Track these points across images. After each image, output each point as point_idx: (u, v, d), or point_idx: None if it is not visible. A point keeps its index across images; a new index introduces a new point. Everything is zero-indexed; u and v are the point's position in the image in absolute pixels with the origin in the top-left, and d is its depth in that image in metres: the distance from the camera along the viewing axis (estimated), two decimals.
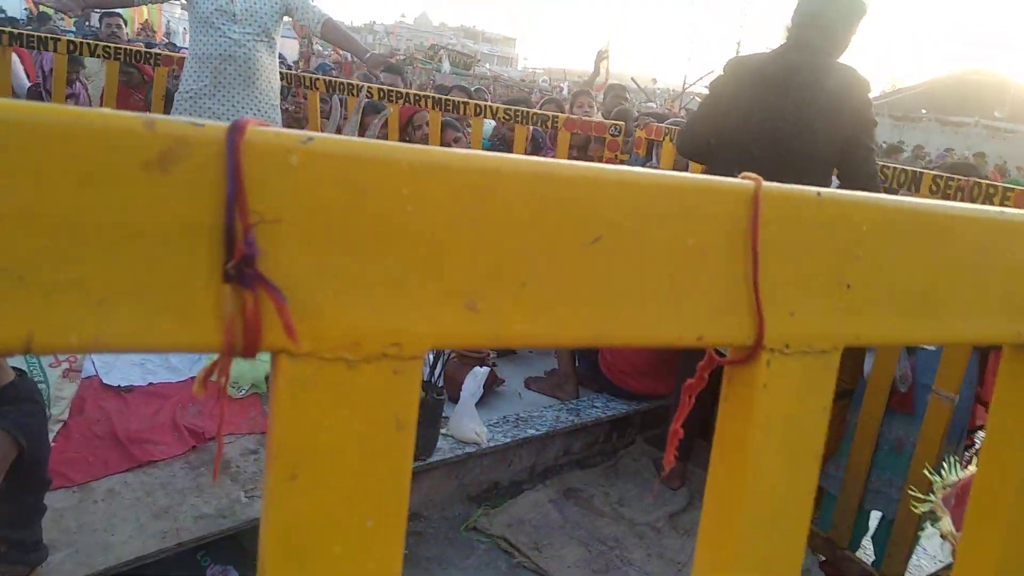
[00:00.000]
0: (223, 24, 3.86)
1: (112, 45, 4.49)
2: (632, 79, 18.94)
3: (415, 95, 4.42)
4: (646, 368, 3.12)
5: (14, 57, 4.84)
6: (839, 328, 0.48)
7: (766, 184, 0.44)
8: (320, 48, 15.92)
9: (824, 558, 2.86)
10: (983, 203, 2.63)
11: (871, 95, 2.48)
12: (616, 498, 2.76)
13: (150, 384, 2.46)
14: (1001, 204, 2.61)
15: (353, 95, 4.32)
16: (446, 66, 12.26)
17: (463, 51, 15.76)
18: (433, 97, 4.37)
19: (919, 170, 2.93)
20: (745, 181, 0.44)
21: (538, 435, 2.72)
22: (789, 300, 0.46)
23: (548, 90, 12.66)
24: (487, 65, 21.21)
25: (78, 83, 5.18)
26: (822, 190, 0.46)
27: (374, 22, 47.15)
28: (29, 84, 5.14)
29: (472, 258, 0.36)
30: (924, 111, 39.94)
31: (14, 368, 1.54)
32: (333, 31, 4.05)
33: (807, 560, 2.75)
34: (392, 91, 4.40)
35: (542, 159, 0.37)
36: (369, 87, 4.48)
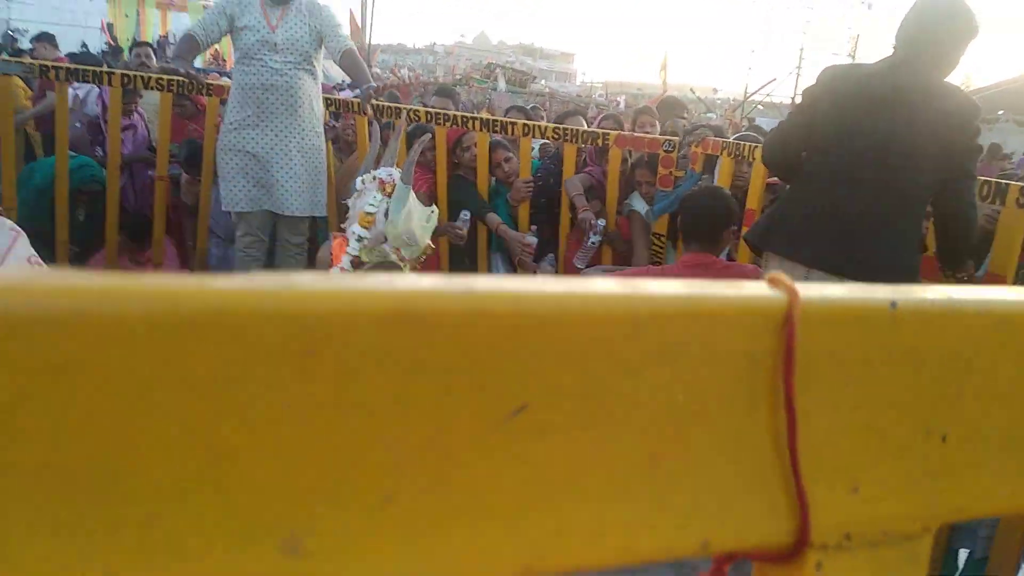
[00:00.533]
0: (264, 54, 3.86)
1: (165, 77, 4.55)
2: (691, 90, 18.65)
3: (463, 117, 4.32)
4: None
5: (92, 91, 4.96)
6: (930, 501, 0.31)
7: (806, 293, 0.28)
8: (378, 71, 16.18)
9: None
10: None
11: (978, 122, 2.28)
12: None
13: None
14: None
15: (399, 119, 4.24)
16: (502, 85, 12.22)
17: (519, 69, 15.68)
18: (481, 119, 4.26)
19: (1004, 181, 2.65)
20: (772, 292, 0.28)
21: None
22: (850, 468, 0.29)
23: (604, 104, 12.45)
24: (543, 81, 21.11)
25: (135, 114, 5.28)
26: (897, 298, 0.29)
27: (434, 43, 47.95)
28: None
29: (289, 461, 0.21)
30: (1001, 112, 38.18)
31: None
32: (350, 60, 4.10)
33: None
34: (440, 114, 4.31)
35: (398, 281, 0.23)
36: (416, 110, 4.40)
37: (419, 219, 2.75)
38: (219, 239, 4.65)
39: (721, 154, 3.77)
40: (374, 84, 4.23)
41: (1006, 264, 2.49)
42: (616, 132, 4.07)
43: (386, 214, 2.69)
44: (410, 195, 2.69)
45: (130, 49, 6.36)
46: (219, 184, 4.07)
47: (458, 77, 14.82)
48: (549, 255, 4.01)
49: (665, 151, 3.88)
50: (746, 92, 18.61)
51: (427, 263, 4.45)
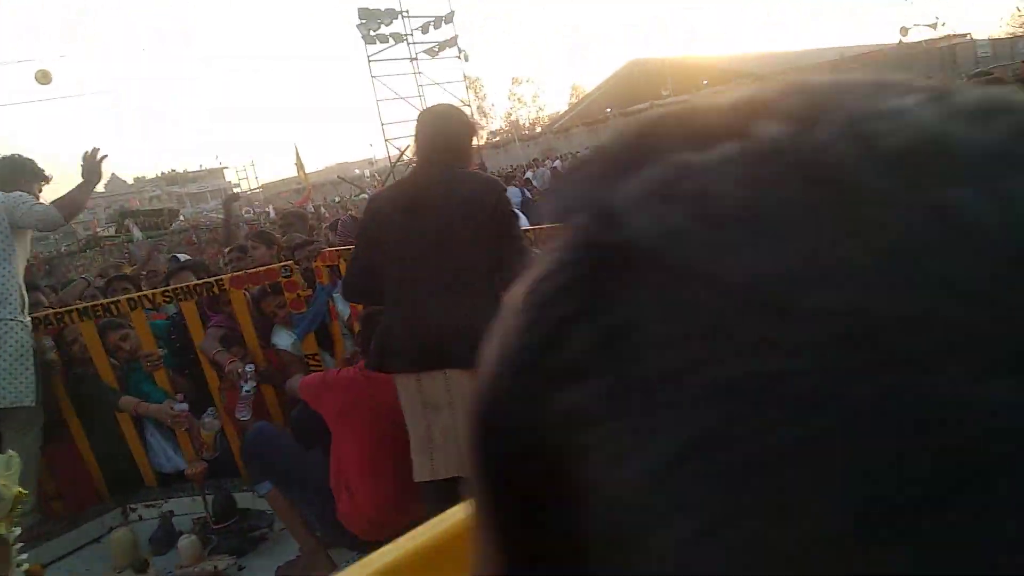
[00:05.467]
0: None
1: None
2: (339, 176, 19.01)
3: (56, 314, 3.90)
4: (392, 503, 2.88)
5: None
6: None
7: None
8: None
9: None
10: None
11: (505, 192, 2.55)
12: None
13: None
14: None
15: None
16: (137, 234, 11.38)
17: (153, 209, 14.64)
18: (78, 309, 3.89)
19: None
20: None
21: None
22: None
23: (254, 218, 12.11)
24: (181, 217, 19.86)
25: None
26: None
27: None
28: None
29: None
30: (609, 109, 44.59)
31: None
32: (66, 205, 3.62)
33: None
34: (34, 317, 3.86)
35: None
36: None
37: None
38: None
39: (338, 263, 3.84)
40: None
41: None
42: (230, 275, 3.95)
43: None
44: None
45: None
46: None
47: (86, 238, 13.52)
48: (210, 408, 3.76)
49: (284, 277, 3.85)
50: (391, 162, 19.40)
51: (65, 475, 3.94)
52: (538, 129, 55.10)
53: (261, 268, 4.06)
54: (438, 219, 2.39)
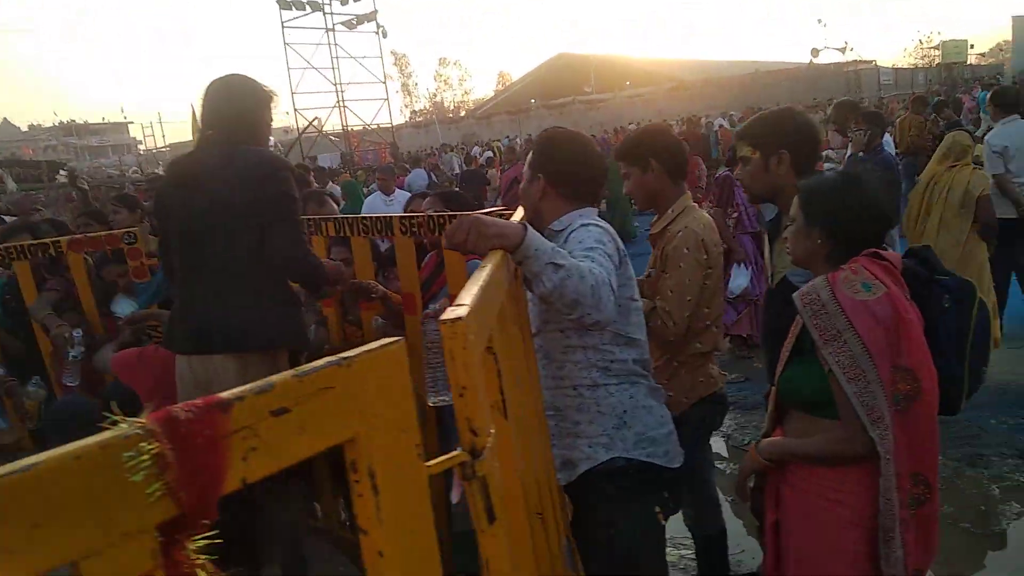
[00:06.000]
0: None
1: None
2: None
3: None
4: None
5: None
6: None
7: None
8: None
9: None
10: None
11: (286, 172, 2.37)
12: None
13: None
14: None
15: None
16: (11, 185, 10.74)
17: (36, 159, 13.78)
18: None
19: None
20: None
21: None
22: None
23: (141, 180, 11.60)
24: (89, 162, 18.88)
25: None
26: None
27: None
28: None
29: None
30: (533, 100, 44.75)
31: None
32: None
33: None
34: None
35: None
36: None
37: None
38: None
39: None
40: None
41: None
42: (68, 238, 3.82)
43: None
44: None
45: None
46: None
47: None
48: (35, 377, 3.66)
49: (127, 243, 3.76)
50: (299, 132, 19.00)
51: None
52: (462, 113, 54.78)
53: (102, 233, 3.94)
54: (210, 197, 2.24)
